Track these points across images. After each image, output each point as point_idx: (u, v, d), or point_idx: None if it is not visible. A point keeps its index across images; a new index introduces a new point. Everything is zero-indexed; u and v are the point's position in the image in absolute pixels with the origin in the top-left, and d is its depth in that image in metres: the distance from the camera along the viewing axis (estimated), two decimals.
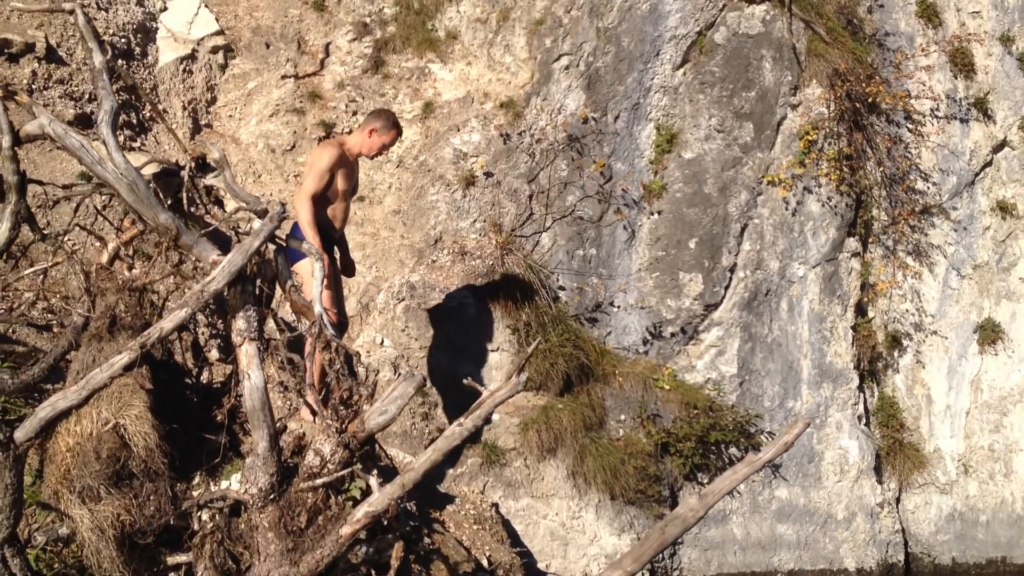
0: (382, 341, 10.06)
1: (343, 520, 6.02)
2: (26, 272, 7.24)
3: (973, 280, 12.39)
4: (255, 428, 6.11)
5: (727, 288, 11.41)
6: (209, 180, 8.98)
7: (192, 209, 7.54)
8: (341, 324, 8.18)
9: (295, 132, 11.36)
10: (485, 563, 8.21)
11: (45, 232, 7.10)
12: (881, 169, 11.88)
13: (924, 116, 12.24)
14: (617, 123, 11.40)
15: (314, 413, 6.39)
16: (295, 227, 7.80)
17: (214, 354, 9.01)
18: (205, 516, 6.21)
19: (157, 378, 6.28)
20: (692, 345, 11.41)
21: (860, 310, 11.94)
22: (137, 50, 11.21)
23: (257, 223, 6.49)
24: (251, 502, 6.02)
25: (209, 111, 11.64)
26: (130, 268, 6.76)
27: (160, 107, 10.91)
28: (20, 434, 5.82)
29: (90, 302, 6.50)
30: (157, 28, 11.64)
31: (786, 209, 11.52)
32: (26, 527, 5.86)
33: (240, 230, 6.62)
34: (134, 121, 10.72)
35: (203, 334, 9.14)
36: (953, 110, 12.37)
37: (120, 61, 10.77)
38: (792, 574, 11.22)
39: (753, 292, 11.44)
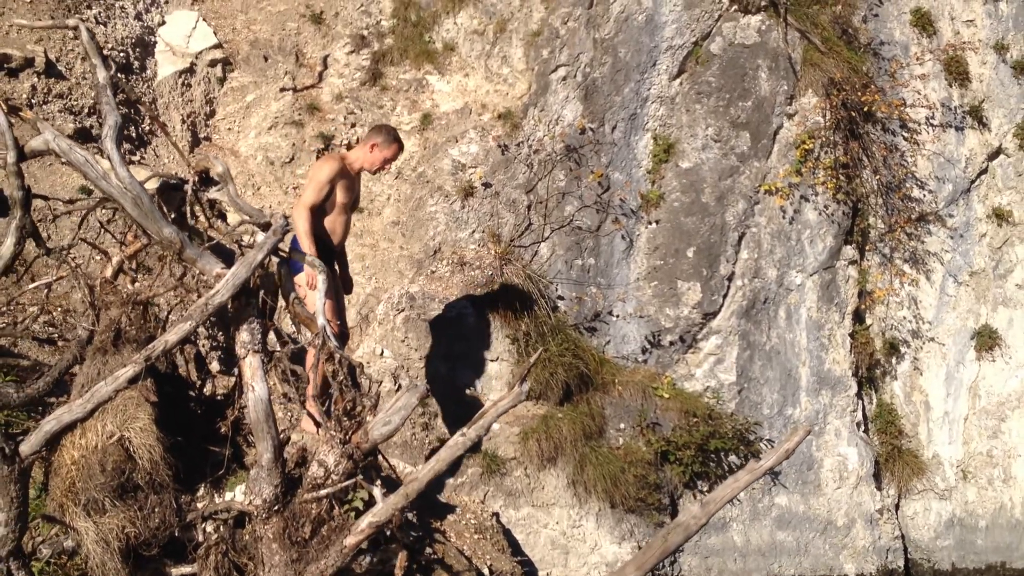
0: (382, 352, 10.09)
1: (347, 530, 6.06)
2: (30, 286, 7.27)
3: (970, 287, 12.43)
4: (259, 440, 6.14)
5: (725, 296, 11.45)
6: (213, 194, 9.02)
7: (194, 222, 7.58)
8: (342, 335, 8.22)
9: (294, 144, 11.40)
10: (487, 572, 8.23)
11: (49, 247, 7.13)
12: (877, 177, 11.93)
13: (919, 124, 12.29)
14: (614, 133, 11.46)
15: (317, 424, 6.42)
16: (295, 239, 7.84)
17: (215, 366, 9.06)
18: (210, 527, 6.25)
19: (161, 391, 6.32)
20: (691, 353, 11.45)
21: (858, 317, 11.98)
22: (136, 64, 11.27)
23: (261, 236, 6.53)
24: (255, 513, 6.06)
25: (208, 124, 11.69)
26: (133, 282, 6.80)
27: (161, 120, 10.96)
28: (25, 447, 5.85)
29: (94, 316, 6.54)
30: (155, 42, 11.70)
31: (783, 217, 11.57)
32: (31, 540, 5.88)
33: (243, 243, 6.66)
34: (133, 135, 10.77)
35: (203, 346, 9.18)
36: (948, 118, 12.43)
37: (119, 75, 10.82)
38: None
39: (751, 300, 11.48)
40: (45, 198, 7.49)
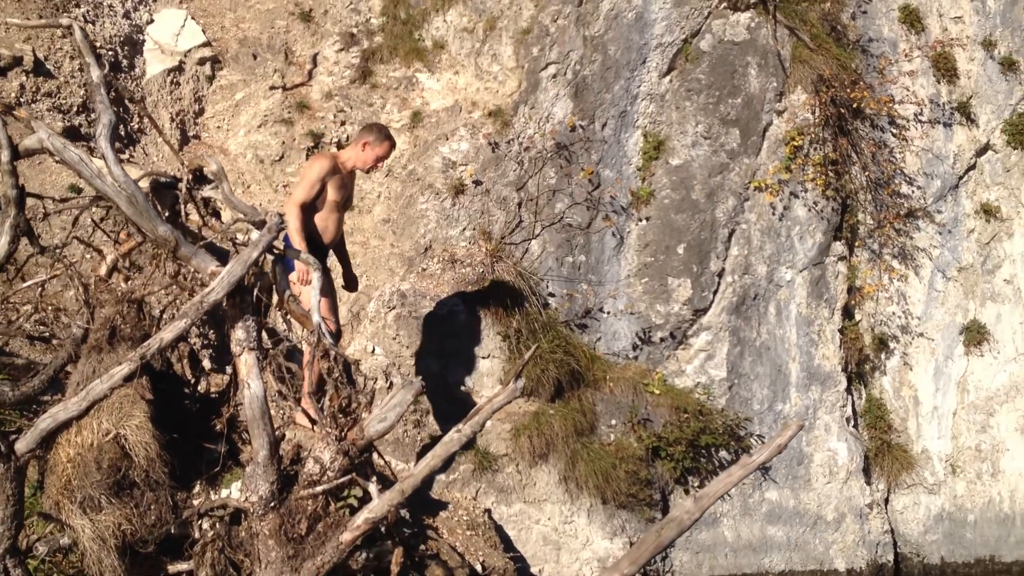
0: (373, 349, 10.10)
1: (343, 527, 6.08)
2: (24, 285, 7.26)
3: (958, 282, 12.48)
4: (255, 437, 6.15)
5: (715, 293, 11.49)
6: (207, 192, 9.03)
7: (186, 221, 7.58)
8: (336, 333, 8.23)
9: (283, 143, 11.40)
10: (479, 568, 8.26)
11: (43, 245, 7.13)
12: (866, 173, 11.97)
13: (908, 121, 12.33)
14: (605, 130, 11.48)
15: (312, 421, 6.43)
16: (287, 237, 7.85)
17: (206, 364, 9.05)
18: (206, 524, 6.26)
19: (157, 388, 6.33)
20: (681, 350, 11.48)
21: (847, 313, 12.03)
22: (125, 62, 11.25)
23: (255, 234, 6.54)
24: (251, 510, 6.07)
25: (197, 122, 11.67)
26: (127, 280, 6.80)
27: (154, 119, 10.95)
28: (21, 445, 5.86)
29: (89, 314, 6.54)
30: (144, 40, 11.68)
31: (773, 214, 11.61)
32: (27, 537, 5.88)
33: (238, 241, 6.67)
34: (123, 133, 10.76)
35: (195, 344, 9.17)
36: (936, 114, 12.47)
37: (111, 74, 10.80)
38: (783, 575, 11.31)
39: (741, 296, 11.52)
40: (39, 197, 7.49)
